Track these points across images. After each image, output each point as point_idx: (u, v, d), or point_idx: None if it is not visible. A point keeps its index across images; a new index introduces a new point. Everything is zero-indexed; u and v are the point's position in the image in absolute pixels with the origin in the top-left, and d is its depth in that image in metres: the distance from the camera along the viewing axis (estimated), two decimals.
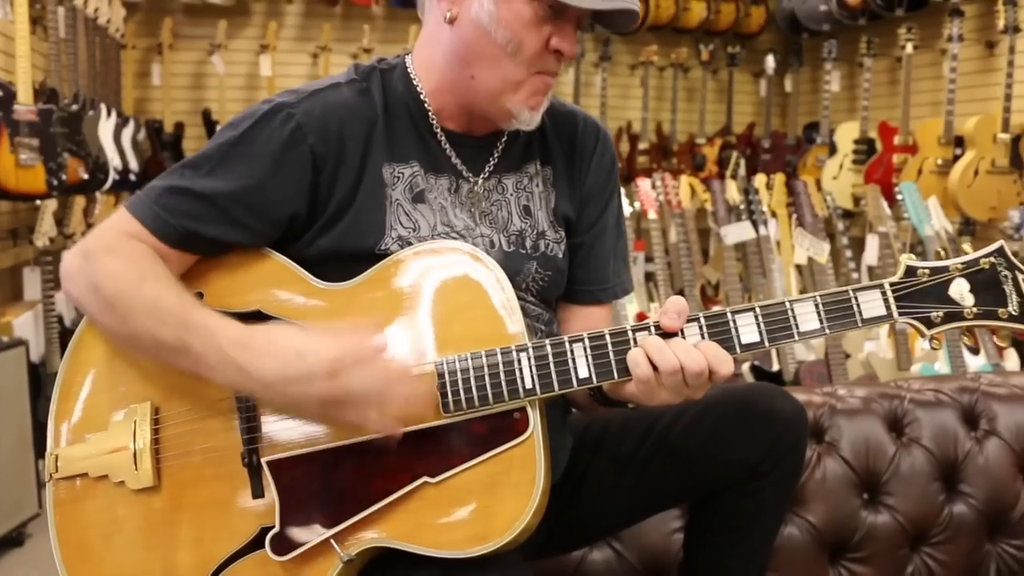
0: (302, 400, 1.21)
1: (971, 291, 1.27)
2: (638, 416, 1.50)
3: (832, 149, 5.58)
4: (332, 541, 1.25)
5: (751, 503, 1.47)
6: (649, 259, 4.72)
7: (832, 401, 1.94)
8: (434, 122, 1.42)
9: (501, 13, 1.32)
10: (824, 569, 1.83)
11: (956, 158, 4.67)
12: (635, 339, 1.26)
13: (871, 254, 4.10)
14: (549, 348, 1.27)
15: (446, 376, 1.26)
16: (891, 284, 1.27)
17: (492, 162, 1.46)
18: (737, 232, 4.36)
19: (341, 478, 1.27)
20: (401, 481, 1.25)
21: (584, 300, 1.54)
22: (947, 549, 1.86)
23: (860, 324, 1.27)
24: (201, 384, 1.28)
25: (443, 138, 1.43)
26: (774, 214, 4.59)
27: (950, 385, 2.01)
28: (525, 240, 1.45)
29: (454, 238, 1.38)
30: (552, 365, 1.26)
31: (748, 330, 1.26)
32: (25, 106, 3.53)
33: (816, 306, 1.27)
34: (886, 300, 1.27)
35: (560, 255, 1.48)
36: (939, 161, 4.75)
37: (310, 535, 1.26)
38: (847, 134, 5.49)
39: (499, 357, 1.26)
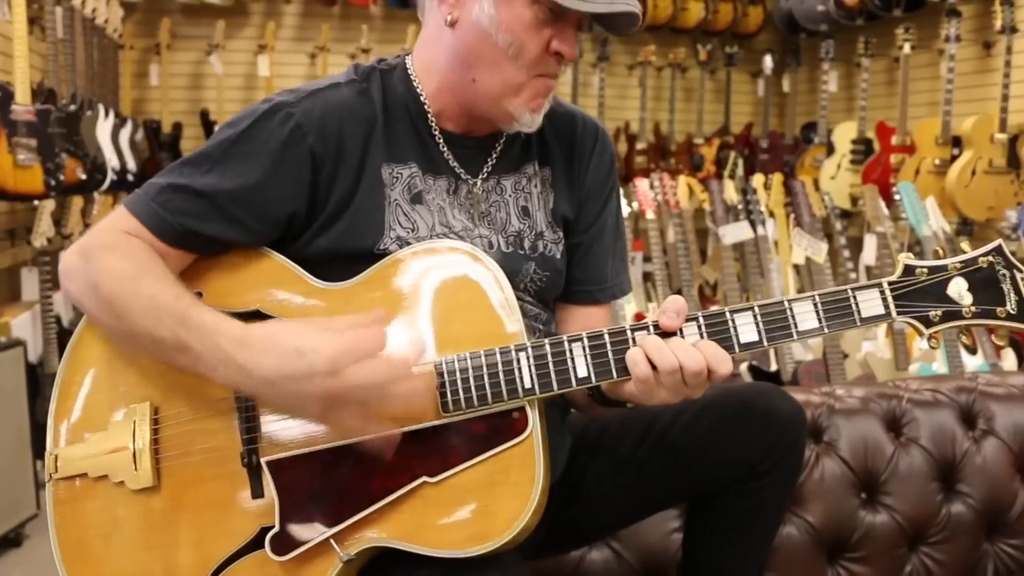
0: (303, 397, 1.20)
1: (969, 290, 1.27)
2: (637, 416, 1.50)
3: (830, 149, 5.59)
4: (332, 541, 1.25)
5: (750, 503, 1.48)
6: (647, 259, 4.72)
7: (830, 401, 1.94)
8: (433, 123, 1.42)
9: (502, 16, 1.32)
10: (822, 569, 1.83)
11: (954, 158, 4.68)
12: (634, 338, 1.26)
13: (869, 254, 4.10)
14: (548, 348, 1.27)
15: (445, 376, 1.26)
16: (889, 283, 1.27)
17: (490, 163, 1.46)
18: (735, 232, 4.36)
19: (340, 478, 1.27)
20: (400, 481, 1.25)
21: (582, 300, 1.54)
22: (945, 549, 1.87)
23: (859, 323, 1.27)
24: (201, 384, 1.27)
25: (441, 140, 1.43)
26: (772, 214, 4.59)
27: (948, 385, 2.02)
28: (523, 241, 1.45)
29: (452, 239, 1.38)
30: (551, 365, 1.26)
31: (747, 329, 1.26)
32: (23, 106, 3.53)
33: (815, 305, 1.27)
34: (884, 299, 1.27)
35: (558, 255, 1.48)
36: (937, 161, 4.75)
37: (310, 535, 1.26)
38: (845, 134, 5.50)
39: (498, 357, 1.26)
